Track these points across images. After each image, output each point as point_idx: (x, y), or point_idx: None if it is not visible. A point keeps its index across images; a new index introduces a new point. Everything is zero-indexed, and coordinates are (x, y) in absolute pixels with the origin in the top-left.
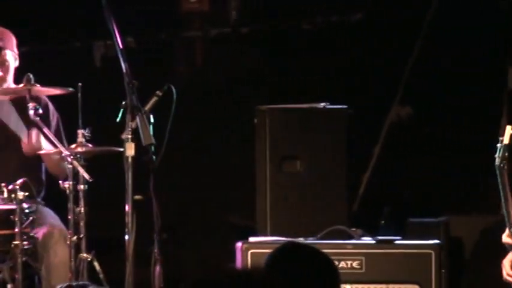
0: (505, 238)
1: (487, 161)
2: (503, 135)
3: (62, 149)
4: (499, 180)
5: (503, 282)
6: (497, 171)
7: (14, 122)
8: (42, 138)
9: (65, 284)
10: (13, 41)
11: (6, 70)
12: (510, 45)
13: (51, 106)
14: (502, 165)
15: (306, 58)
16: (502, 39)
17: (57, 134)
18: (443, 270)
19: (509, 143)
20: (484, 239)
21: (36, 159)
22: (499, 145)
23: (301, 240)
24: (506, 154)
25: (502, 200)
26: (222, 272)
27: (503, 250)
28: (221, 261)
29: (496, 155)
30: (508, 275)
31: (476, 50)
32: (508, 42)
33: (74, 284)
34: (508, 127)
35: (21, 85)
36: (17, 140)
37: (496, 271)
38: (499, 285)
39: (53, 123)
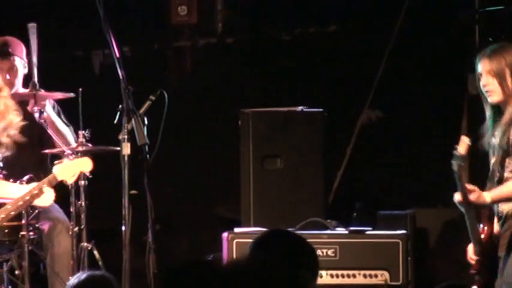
0: (456, 199)
1: (450, 158)
2: (458, 143)
3: (64, 148)
4: (457, 182)
5: (463, 269)
6: (455, 175)
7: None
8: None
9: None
10: (22, 49)
11: (14, 75)
12: (469, 54)
13: (57, 108)
14: (459, 172)
15: (286, 66)
16: (462, 49)
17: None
18: (409, 258)
19: (464, 154)
20: (447, 229)
21: (44, 158)
22: (456, 153)
23: None
24: (463, 164)
25: (459, 188)
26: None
27: (464, 240)
28: (209, 249)
29: (454, 162)
30: (470, 258)
31: (439, 58)
32: (466, 52)
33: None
34: (463, 138)
35: (27, 90)
36: (35, 140)
37: (458, 258)
38: (460, 271)
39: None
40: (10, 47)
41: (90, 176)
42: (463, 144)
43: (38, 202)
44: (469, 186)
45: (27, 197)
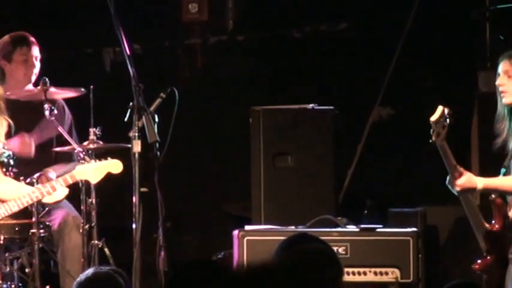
0: (447, 182)
1: (463, 157)
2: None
3: (74, 145)
4: (441, 155)
5: (473, 266)
6: (438, 148)
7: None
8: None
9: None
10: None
11: (32, 71)
12: (480, 52)
13: (66, 109)
14: (438, 141)
15: (296, 63)
16: (473, 46)
17: (69, 133)
18: (420, 255)
19: (436, 120)
20: (457, 227)
21: (53, 156)
22: (430, 121)
23: (291, 228)
24: (440, 130)
25: (446, 164)
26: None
27: (474, 237)
28: (219, 247)
29: (431, 132)
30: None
31: (450, 55)
32: (478, 49)
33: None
34: (440, 107)
35: (38, 88)
36: (49, 141)
37: (468, 256)
38: (470, 269)
39: (67, 123)
40: (30, 37)
41: None
42: (438, 111)
43: (46, 199)
44: (459, 169)
45: (36, 194)
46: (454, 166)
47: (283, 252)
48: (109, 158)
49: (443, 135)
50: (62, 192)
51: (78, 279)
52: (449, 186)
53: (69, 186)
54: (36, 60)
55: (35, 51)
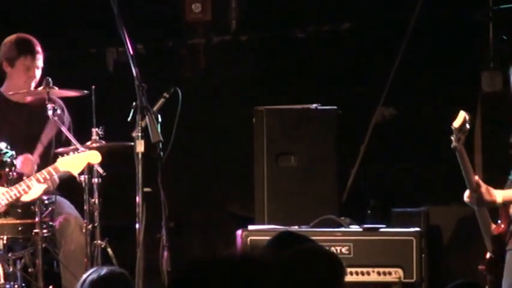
0: (465, 198)
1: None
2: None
3: (77, 145)
4: (458, 159)
5: (477, 266)
6: (456, 153)
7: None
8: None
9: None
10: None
11: (32, 80)
12: (482, 52)
13: (66, 110)
14: (455, 147)
15: (300, 63)
16: (476, 46)
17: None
18: (423, 255)
19: (459, 126)
20: (460, 227)
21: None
22: (452, 127)
23: (295, 228)
24: (461, 136)
25: (464, 174)
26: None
27: (477, 237)
28: (223, 247)
29: (452, 137)
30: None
31: (453, 55)
32: (481, 49)
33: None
34: (461, 112)
35: (40, 88)
36: (51, 139)
37: (471, 255)
38: (473, 268)
39: (66, 124)
40: (37, 45)
41: (104, 174)
42: (460, 117)
43: (24, 198)
44: (476, 178)
45: (14, 193)
46: (472, 179)
47: (274, 251)
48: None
49: (462, 140)
50: (39, 188)
51: (90, 277)
52: (467, 201)
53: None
54: (38, 69)
55: (39, 61)
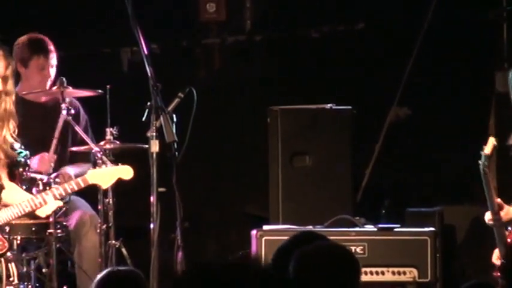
0: (486, 220)
1: (478, 156)
2: (486, 143)
3: (91, 145)
4: (483, 182)
5: (490, 265)
6: (482, 176)
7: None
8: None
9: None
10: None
11: (48, 79)
12: (497, 52)
13: (81, 110)
14: (485, 171)
15: (314, 63)
16: (490, 46)
17: (85, 133)
18: (438, 255)
19: (490, 153)
20: (474, 226)
21: (68, 156)
22: (482, 153)
23: (309, 228)
24: (487, 163)
25: (487, 197)
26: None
27: (491, 237)
28: (237, 247)
29: (480, 162)
30: (494, 262)
31: (467, 55)
32: (495, 49)
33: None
34: (491, 138)
35: (55, 87)
36: (66, 138)
37: (485, 255)
38: (487, 268)
39: (82, 124)
40: (49, 44)
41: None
42: (490, 144)
43: (38, 212)
44: (498, 201)
45: (28, 209)
46: (495, 201)
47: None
48: (119, 164)
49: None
50: (53, 205)
51: (105, 277)
52: (489, 223)
53: (86, 187)
54: (52, 68)
55: (53, 60)
